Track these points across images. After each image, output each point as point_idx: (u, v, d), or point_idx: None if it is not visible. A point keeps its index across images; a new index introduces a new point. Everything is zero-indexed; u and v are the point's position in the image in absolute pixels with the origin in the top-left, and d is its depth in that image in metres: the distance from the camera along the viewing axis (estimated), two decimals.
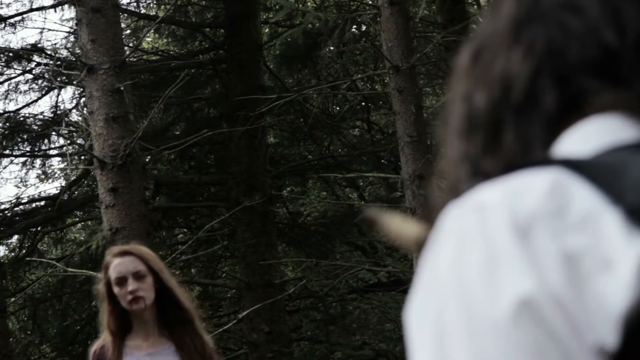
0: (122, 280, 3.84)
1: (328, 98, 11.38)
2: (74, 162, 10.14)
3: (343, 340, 11.22)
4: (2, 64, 10.57)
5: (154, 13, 11.52)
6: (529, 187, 0.72)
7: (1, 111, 10.76)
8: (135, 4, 11.27)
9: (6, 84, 10.81)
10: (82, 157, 10.29)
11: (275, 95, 9.04)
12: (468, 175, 0.84)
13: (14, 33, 16.64)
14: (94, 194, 9.67)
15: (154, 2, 11.59)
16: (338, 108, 11.73)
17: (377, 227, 1.06)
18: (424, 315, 0.73)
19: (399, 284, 10.29)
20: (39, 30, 11.52)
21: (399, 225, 1.04)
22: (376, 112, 12.41)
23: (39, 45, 10.59)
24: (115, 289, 3.85)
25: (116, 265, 3.88)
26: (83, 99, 10.33)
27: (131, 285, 3.81)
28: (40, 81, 10.95)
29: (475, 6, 10.99)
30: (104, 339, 3.91)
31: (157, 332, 3.90)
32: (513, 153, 0.82)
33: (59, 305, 11.04)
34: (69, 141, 9.56)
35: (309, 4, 11.23)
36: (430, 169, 6.52)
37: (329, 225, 11.39)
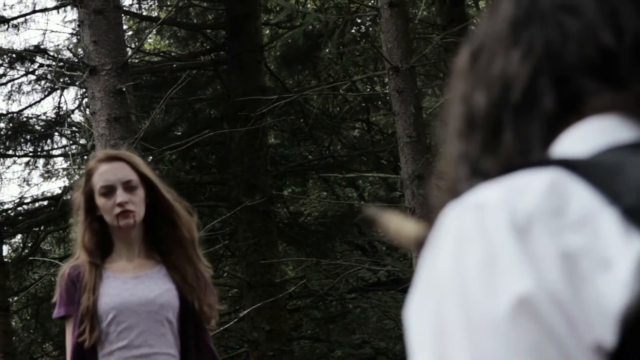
0: (110, 190, 3.19)
1: (328, 99, 11.40)
2: (76, 162, 10.20)
3: (343, 339, 11.22)
4: (6, 65, 10.60)
5: (156, 14, 11.56)
6: (527, 187, 0.72)
7: (4, 112, 10.79)
8: (137, 5, 11.32)
9: (9, 84, 10.84)
10: (85, 157, 10.35)
11: (275, 96, 9.07)
12: (467, 175, 0.84)
13: (17, 34, 16.66)
14: None
15: (156, 4, 11.64)
16: (338, 109, 11.76)
17: (376, 226, 1.06)
18: (424, 314, 0.73)
19: (399, 283, 10.33)
20: (42, 31, 11.61)
21: (398, 224, 1.04)
22: (376, 112, 12.44)
23: (42, 47, 10.61)
24: (100, 200, 3.20)
25: (103, 172, 3.22)
26: (85, 100, 10.36)
27: (120, 196, 3.17)
28: (43, 82, 10.98)
29: (475, 8, 11.04)
30: (78, 258, 3.26)
31: (144, 254, 3.27)
32: (512, 153, 0.82)
33: None
34: (71, 141, 9.61)
35: (309, 5, 11.27)
36: (430, 169, 6.54)
37: (329, 224, 11.41)
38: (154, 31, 11.19)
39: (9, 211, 10.71)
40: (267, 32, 11.82)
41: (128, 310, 3.16)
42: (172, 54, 11.63)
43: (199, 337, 3.28)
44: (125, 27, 10.14)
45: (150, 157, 9.71)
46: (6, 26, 10.21)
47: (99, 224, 3.25)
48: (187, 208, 3.33)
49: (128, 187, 3.21)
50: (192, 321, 3.24)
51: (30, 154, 11.12)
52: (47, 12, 10.36)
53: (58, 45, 11.17)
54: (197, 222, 3.36)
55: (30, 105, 10.99)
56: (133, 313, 3.17)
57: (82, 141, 9.33)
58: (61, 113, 10.80)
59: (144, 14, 11.52)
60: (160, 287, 3.22)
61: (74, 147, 9.59)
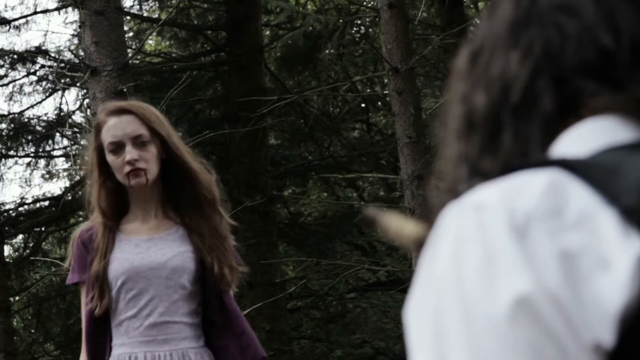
0: (118, 147, 2.91)
1: (328, 99, 11.42)
2: (77, 163, 10.22)
3: (343, 339, 11.23)
4: (7, 66, 10.61)
5: (157, 16, 11.59)
6: (526, 187, 0.72)
7: (6, 113, 10.81)
8: (138, 6, 11.35)
9: (11, 85, 10.85)
10: (86, 159, 10.35)
11: (276, 97, 9.07)
12: (467, 175, 0.85)
13: (18, 35, 16.71)
14: None
15: (157, 5, 11.67)
16: (338, 109, 11.79)
17: (376, 227, 1.06)
18: (423, 314, 0.73)
19: (398, 283, 10.36)
20: (43, 32, 11.62)
21: (398, 225, 1.04)
22: (375, 113, 12.47)
23: (43, 48, 10.63)
24: (109, 157, 2.92)
25: (111, 127, 2.93)
26: (86, 101, 10.40)
27: (130, 153, 2.88)
28: (44, 83, 10.98)
29: (474, 9, 11.07)
30: (93, 220, 2.98)
31: (160, 214, 2.98)
32: (511, 153, 0.82)
33: (62, 304, 11.12)
34: (72, 142, 9.63)
35: (309, 6, 11.31)
36: (429, 169, 6.57)
37: (329, 225, 11.43)
38: (155, 32, 11.21)
39: (10, 211, 10.74)
40: (268, 33, 11.84)
41: (137, 276, 2.89)
42: (173, 55, 11.66)
43: (223, 302, 2.97)
44: (126, 28, 10.16)
45: None
46: (7, 27, 10.25)
47: (113, 182, 2.97)
48: (205, 165, 3.03)
49: (138, 142, 2.92)
50: (216, 286, 2.95)
51: (32, 155, 11.14)
52: (48, 14, 10.39)
53: (59, 47, 11.22)
54: (217, 179, 3.04)
55: (32, 106, 11.00)
56: (142, 279, 2.90)
57: (83, 142, 9.36)
58: (62, 114, 10.82)
59: (145, 15, 11.55)
60: (173, 250, 2.94)
61: (75, 147, 9.61)
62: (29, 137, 10.81)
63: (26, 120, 10.88)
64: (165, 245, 2.94)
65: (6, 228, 10.51)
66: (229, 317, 2.98)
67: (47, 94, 11.08)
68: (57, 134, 10.68)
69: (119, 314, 2.91)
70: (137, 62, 10.45)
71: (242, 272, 3.06)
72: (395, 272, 10.90)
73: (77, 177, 10.83)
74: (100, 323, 2.92)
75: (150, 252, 2.93)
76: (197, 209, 2.95)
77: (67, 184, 11.77)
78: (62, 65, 9.48)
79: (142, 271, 2.90)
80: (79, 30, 9.23)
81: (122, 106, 3.00)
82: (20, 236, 11.40)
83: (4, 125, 10.80)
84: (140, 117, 2.94)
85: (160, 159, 2.96)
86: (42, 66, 10.68)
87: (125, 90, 7.13)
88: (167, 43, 12.26)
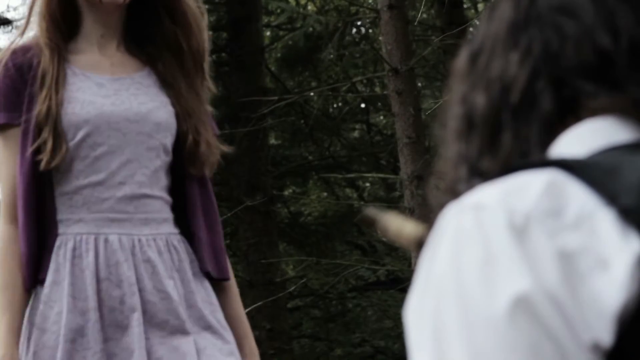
0: None
1: (328, 100, 11.45)
2: None
3: (343, 338, 11.26)
4: None
5: None
6: (525, 187, 0.73)
7: None
8: None
9: None
10: None
11: (276, 97, 9.10)
12: (466, 175, 0.85)
13: (20, 37, 16.67)
14: None
15: None
16: (338, 110, 11.82)
17: (375, 227, 1.07)
18: (423, 313, 0.73)
19: (398, 282, 10.40)
20: None
21: (397, 225, 1.05)
22: (376, 113, 12.51)
23: None
24: None
25: None
26: None
27: None
28: None
29: (474, 10, 11.11)
30: (30, 37, 2.12)
31: (123, 47, 2.14)
32: (511, 154, 0.82)
33: None
34: None
35: (309, 8, 11.35)
36: (429, 169, 6.60)
37: (329, 224, 11.45)
38: None
39: None
40: (268, 34, 11.87)
41: (109, 128, 2.03)
42: None
43: (203, 183, 2.15)
44: None
45: None
46: (10, 28, 10.29)
47: None
48: (200, 5, 2.29)
49: None
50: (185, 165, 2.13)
51: None
52: None
53: None
54: (208, 26, 2.27)
55: None
56: (116, 132, 2.04)
57: None
58: None
59: None
60: (153, 99, 2.11)
61: None
62: None
63: None
64: (140, 90, 2.11)
65: None
66: (207, 203, 2.17)
67: None
68: None
69: (76, 178, 2.04)
70: None
71: (222, 150, 2.19)
72: (395, 271, 10.94)
73: None
74: (40, 187, 2.02)
75: (122, 96, 2.09)
76: (175, 56, 2.17)
77: None
78: None
79: (115, 121, 2.05)
80: None
81: None
82: None
83: None
84: None
85: None
86: None
87: None
88: None
